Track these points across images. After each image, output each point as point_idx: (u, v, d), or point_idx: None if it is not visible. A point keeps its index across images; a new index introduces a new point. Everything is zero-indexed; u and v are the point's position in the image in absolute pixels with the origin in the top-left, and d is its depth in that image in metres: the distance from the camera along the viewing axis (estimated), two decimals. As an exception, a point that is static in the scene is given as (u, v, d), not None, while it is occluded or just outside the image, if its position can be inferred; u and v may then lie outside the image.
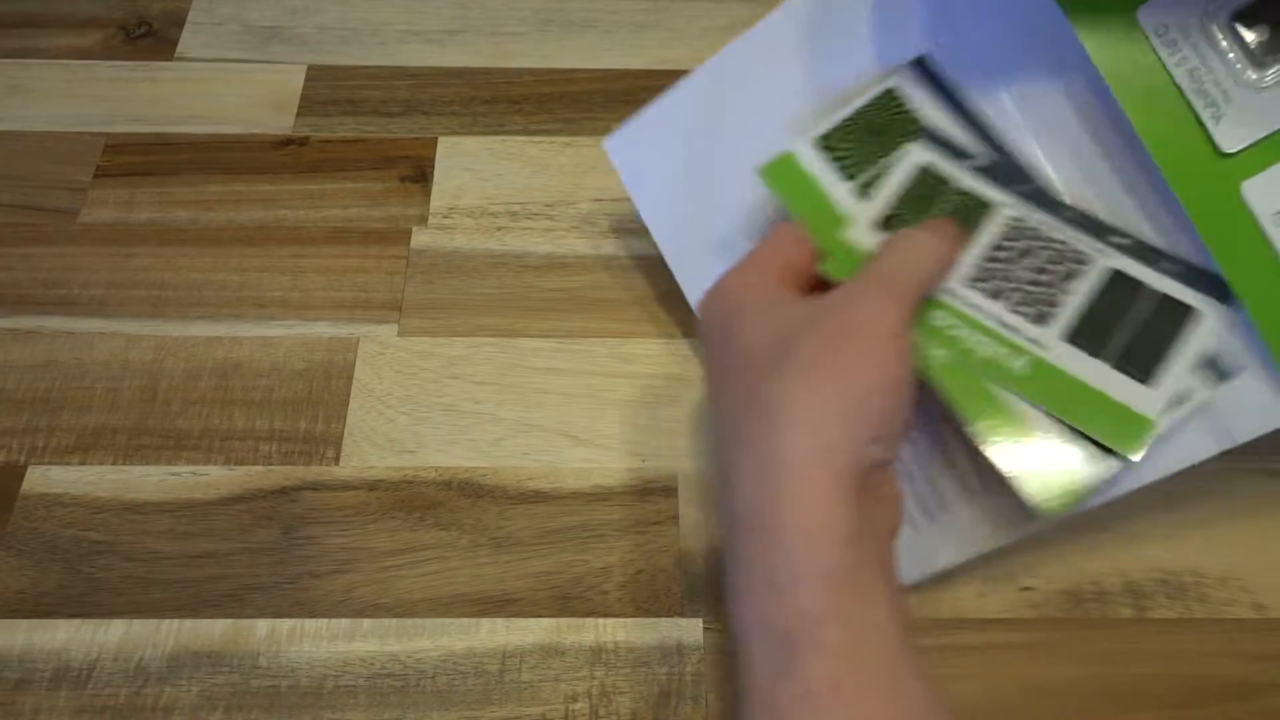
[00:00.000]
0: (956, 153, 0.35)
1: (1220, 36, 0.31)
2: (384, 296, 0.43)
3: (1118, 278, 0.33)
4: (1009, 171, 0.35)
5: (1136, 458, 0.31)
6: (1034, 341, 0.32)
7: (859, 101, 0.37)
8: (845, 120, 0.37)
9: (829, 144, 0.36)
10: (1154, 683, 0.35)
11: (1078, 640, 0.36)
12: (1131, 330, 0.32)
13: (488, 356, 0.42)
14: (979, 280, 0.33)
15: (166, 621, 0.35)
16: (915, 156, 0.35)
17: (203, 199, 0.46)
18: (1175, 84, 0.31)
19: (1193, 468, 0.31)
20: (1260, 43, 0.31)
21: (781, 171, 0.37)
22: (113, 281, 0.43)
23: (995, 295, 0.32)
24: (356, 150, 0.48)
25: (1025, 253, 0.33)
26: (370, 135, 0.48)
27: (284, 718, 0.34)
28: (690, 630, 0.36)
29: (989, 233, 0.34)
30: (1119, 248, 0.33)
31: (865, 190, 0.35)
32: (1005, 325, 0.32)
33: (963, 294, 0.33)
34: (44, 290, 0.43)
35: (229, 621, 0.35)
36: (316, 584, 0.36)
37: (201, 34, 0.52)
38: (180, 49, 0.51)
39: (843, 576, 0.26)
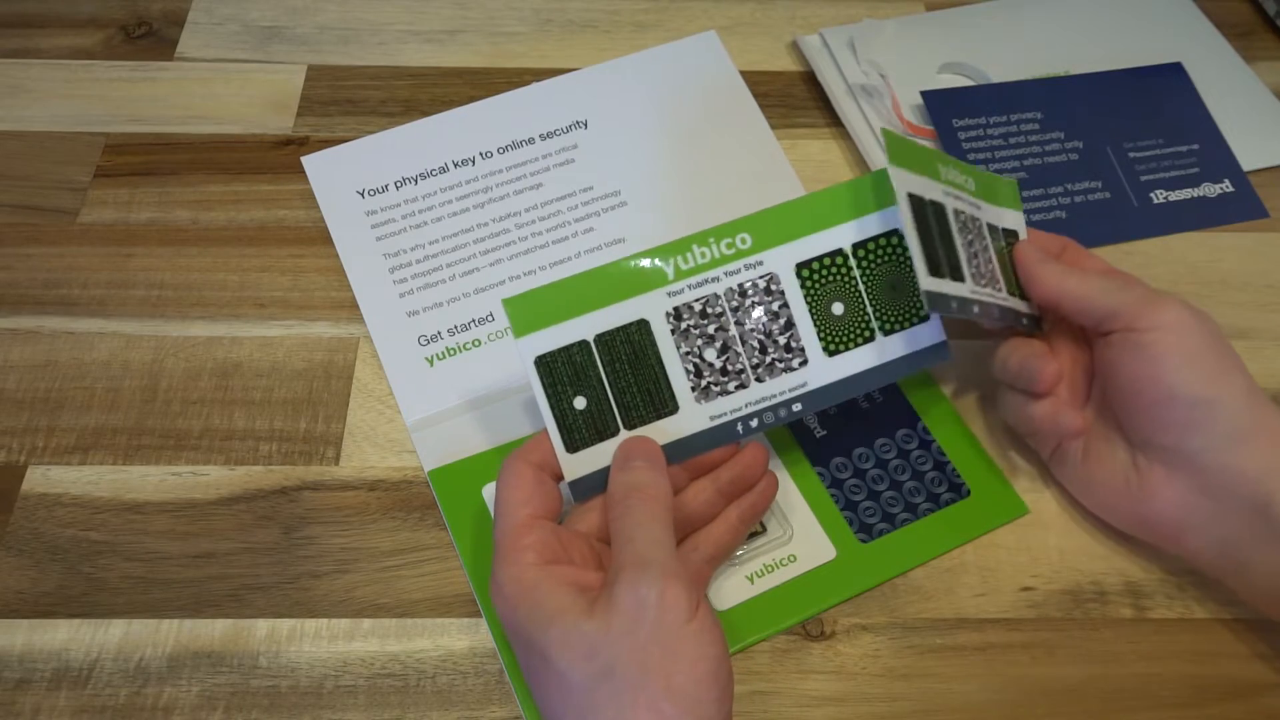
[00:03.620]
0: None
1: None
2: (384, 296, 0.43)
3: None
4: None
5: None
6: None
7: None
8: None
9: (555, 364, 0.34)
10: (1154, 683, 0.35)
11: (1078, 640, 0.36)
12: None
13: (488, 356, 0.42)
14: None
15: (166, 621, 0.35)
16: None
17: (203, 199, 0.46)
18: None
19: None
20: None
21: (526, 310, 0.34)
22: (113, 281, 0.43)
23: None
24: (356, 150, 0.48)
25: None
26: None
27: (284, 718, 0.34)
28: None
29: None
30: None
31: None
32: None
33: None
34: (44, 290, 0.43)
35: (229, 621, 0.35)
36: (316, 584, 0.36)
37: (201, 34, 0.52)
38: (180, 49, 0.51)
39: None
